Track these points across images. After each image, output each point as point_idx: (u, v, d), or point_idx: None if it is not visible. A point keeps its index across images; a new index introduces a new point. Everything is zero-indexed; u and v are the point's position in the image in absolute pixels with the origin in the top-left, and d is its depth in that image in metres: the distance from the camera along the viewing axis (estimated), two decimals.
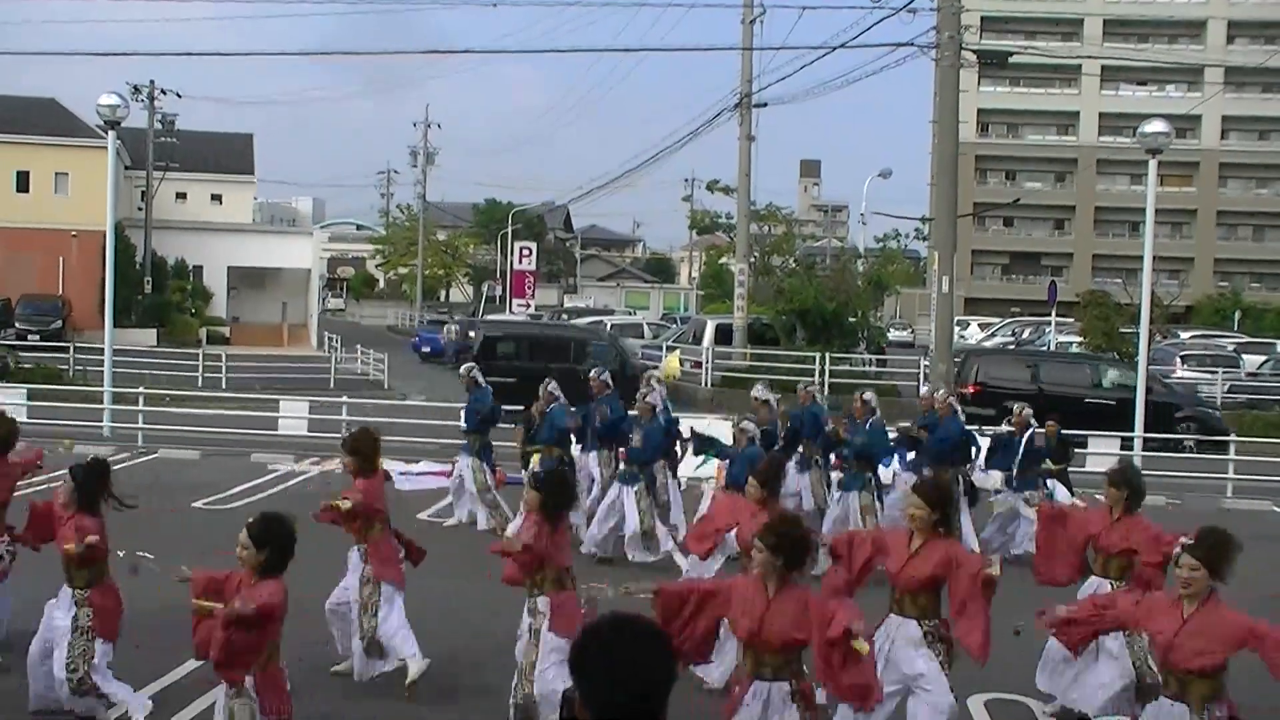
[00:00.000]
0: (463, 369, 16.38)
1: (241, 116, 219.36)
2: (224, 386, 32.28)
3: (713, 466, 15.45)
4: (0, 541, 9.47)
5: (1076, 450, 17.76)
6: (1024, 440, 14.93)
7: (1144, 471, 21.28)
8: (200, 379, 33.30)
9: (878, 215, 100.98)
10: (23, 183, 48.85)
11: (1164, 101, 74.64)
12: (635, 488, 13.62)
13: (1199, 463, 21.63)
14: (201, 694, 8.60)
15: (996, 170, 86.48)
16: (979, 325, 60.98)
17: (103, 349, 23.74)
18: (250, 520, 6.66)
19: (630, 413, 14.81)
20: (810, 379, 14.90)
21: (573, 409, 15.12)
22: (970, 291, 78.25)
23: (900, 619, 7.29)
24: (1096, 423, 22.70)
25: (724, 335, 35.46)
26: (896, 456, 15.33)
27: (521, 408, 15.77)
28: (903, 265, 76.91)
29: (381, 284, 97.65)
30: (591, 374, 15.75)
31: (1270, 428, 28.54)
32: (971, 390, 26.49)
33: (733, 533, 8.93)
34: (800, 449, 14.69)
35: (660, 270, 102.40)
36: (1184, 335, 45.33)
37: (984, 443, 15.54)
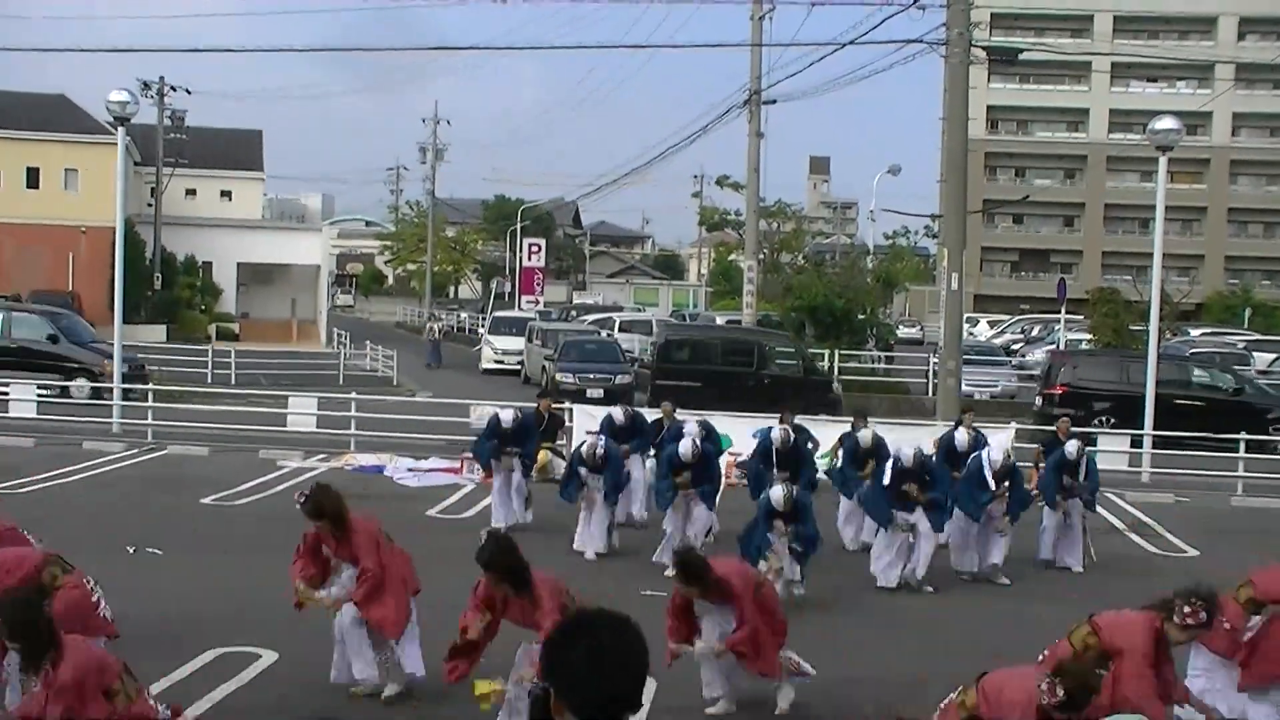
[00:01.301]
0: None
1: (250, 112, 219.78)
2: (233, 383, 32.33)
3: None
4: None
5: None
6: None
7: (1152, 470, 21.43)
8: (209, 375, 33.35)
9: (887, 212, 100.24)
10: (33, 179, 48.90)
11: (1174, 98, 74.32)
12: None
13: (1208, 460, 21.53)
14: (205, 694, 8.63)
15: (1006, 167, 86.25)
16: (988, 323, 60.84)
17: (112, 345, 23.78)
18: None
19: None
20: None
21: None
22: (980, 289, 78.03)
23: None
24: (1185, 423, 22.30)
25: None
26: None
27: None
28: (912, 262, 77.03)
29: (390, 280, 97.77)
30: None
31: None
32: (1059, 391, 26.32)
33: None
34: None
35: (669, 267, 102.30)
36: (1194, 332, 45.19)
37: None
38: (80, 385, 25.24)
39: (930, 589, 12.81)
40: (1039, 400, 27.24)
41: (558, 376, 30.08)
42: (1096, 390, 26.11)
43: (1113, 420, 25.13)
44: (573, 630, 2.99)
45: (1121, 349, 31.33)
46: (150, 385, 24.08)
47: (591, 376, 29.43)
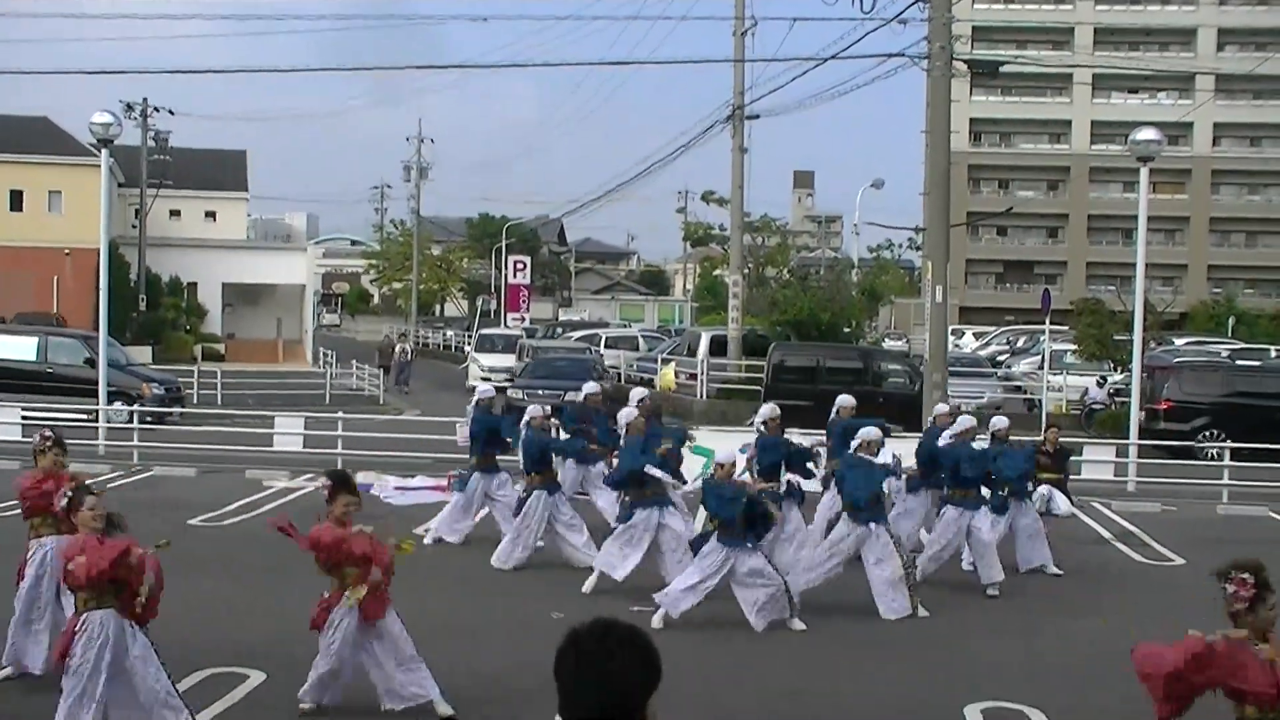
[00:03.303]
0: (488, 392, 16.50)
1: (234, 133, 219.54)
2: (219, 403, 32.26)
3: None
4: None
5: (1074, 459, 17.82)
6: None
7: (1138, 479, 21.51)
8: (195, 396, 33.28)
9: (871, 225, 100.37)
10: (16, 201, 48.78)
11: (1155, 109, 74.75)
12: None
13: (1194, 469, 21.60)
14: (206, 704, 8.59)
15: (989, 179, 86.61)
16: (973, 334, 60.93)
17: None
18: None
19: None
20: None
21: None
22: (964, 300, 78.23)
23: None
24: None
25: (719, 347, 35.45)
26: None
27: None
28: (896, 275, 77.36)
29: (376, 299, 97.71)
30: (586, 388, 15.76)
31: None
32: (1163, 407, 26.04)
33: None
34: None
35: (655, 283, 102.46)
36: (1178, 342, 45.30)
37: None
38: (118, 409, 24.90)
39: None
40: (1143, 415, 27.10)
41: (521, 393, 28.68)
42: (1201, 405, 25.67)
43: (1220, 434, 24.87)
44: (575, 640, 3.03)
45: (1222, 361, 30.90)
46: (185, 409, 23.79)
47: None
